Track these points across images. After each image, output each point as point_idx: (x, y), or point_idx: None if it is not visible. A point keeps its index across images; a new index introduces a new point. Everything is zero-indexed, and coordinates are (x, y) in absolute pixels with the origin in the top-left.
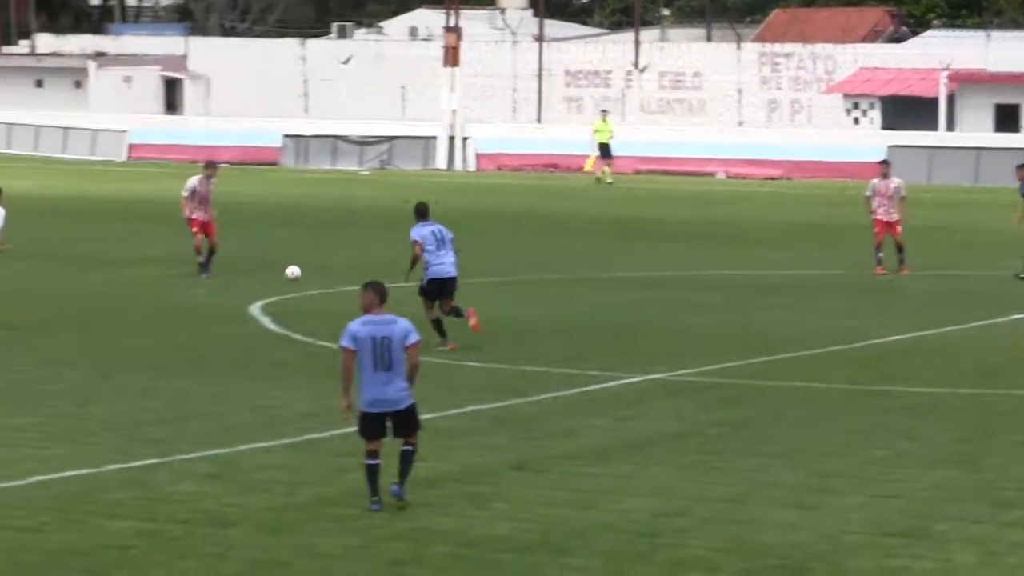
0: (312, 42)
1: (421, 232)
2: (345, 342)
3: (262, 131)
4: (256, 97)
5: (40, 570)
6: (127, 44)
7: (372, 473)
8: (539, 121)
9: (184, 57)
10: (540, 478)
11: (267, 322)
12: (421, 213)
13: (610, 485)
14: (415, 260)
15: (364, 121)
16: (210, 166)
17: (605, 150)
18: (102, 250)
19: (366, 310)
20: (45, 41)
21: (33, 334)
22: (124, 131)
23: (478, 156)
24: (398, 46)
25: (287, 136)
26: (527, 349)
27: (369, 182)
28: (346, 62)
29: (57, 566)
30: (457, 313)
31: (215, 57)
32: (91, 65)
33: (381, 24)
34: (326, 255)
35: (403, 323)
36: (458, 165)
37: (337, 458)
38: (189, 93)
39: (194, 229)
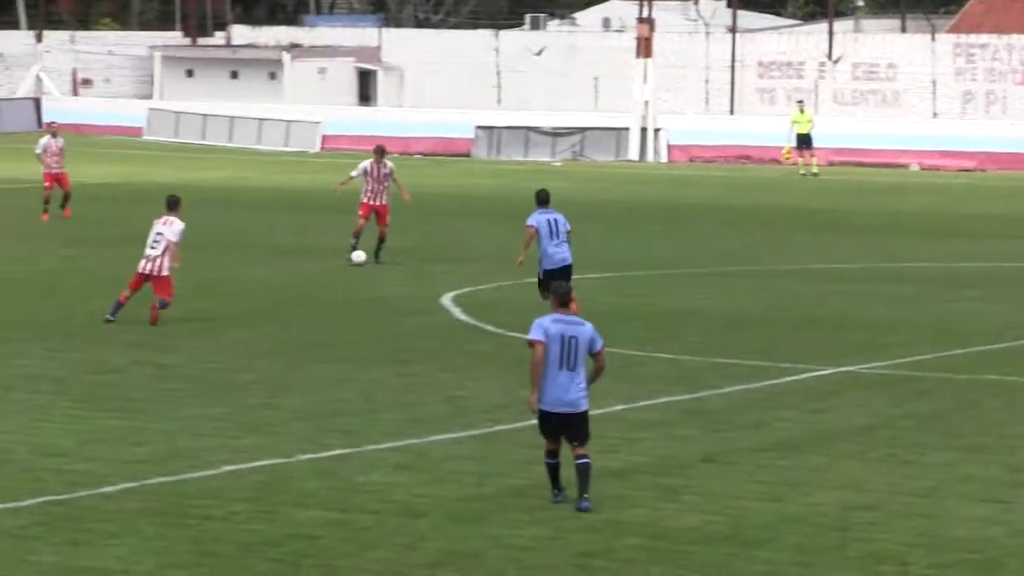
0: (505, 33)
1: (538, 219)
2: (537, 335)
3: (455, 122)
4: (449, 88)
5: (231, 560)
6: (321, 35)
7: (553, 471)
8: (731, 112)
9: (378, 48)
10: (730, 470)
11: (458, 313)
12: (542, 200)
13: (800, 478)
14: (527, 244)
15: (556, 112)
16: (380, 151)
17: (805, 140)
18: (296, 241)
19: (554, 309)
20: (241, 33)
21: (228, 325)
22: (318, 122)
23: (670, 147)
24: (591, 37)
25: (479, 127)
26: (718, 341)
27: (561, 173)
28: (539, 53)
29: (248, 556)
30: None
31: (409, 48)
32: (286, 57)
33: (574, 15)
34: (517, 246)
35: (589, 326)
36: (650, 156)
37: (526, 449)
38: (382, 84)
39: (361, 213)
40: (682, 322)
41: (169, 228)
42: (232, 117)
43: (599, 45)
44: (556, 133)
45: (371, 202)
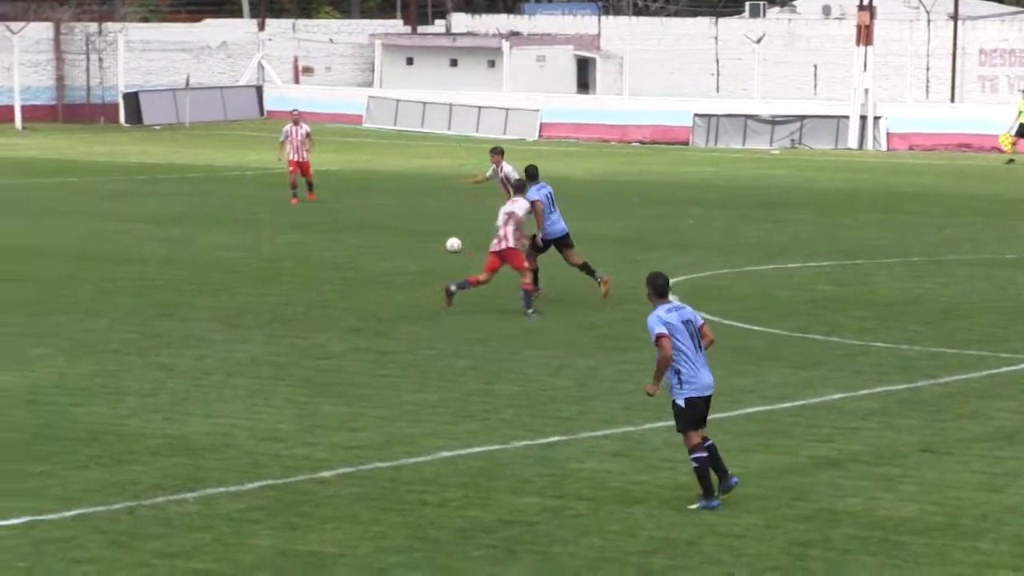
0: (724, 21)
1: (540, 193)
2: (661, 329)
3: (673, 110)
4: (667, 76)
5: (447, 545)
6: (540, 23)
7: (706, 469)
8: (952, 100)
9: (596, 36)
10: (947, 460)
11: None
12: (532, 176)
13: (1019, 468)
14: (542, 218)
15: (775, 100)
16: (497, 152)
17: None
18: None
19: (651, 301)
20: (460, 21)
21: (445, 312)
22: (536, 110)
23: (889, 135)
24: (811, 25)
25: (698, 115)
26: (937, 330)
27: (779, 161)
28: (758, 41)
29: (463, 541)
30: (590, 271)
31: (627, 36)
32: (505, 45)
33: (794, 3)
34: (733, 234)
35: (689, 307)
36: (869, 144)
37: (742, 437)
38: (601, 72)
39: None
40: (900, 311)
41: (515, 206)
42: (451, 105)
43: (819, 33)
44: (774, 121)
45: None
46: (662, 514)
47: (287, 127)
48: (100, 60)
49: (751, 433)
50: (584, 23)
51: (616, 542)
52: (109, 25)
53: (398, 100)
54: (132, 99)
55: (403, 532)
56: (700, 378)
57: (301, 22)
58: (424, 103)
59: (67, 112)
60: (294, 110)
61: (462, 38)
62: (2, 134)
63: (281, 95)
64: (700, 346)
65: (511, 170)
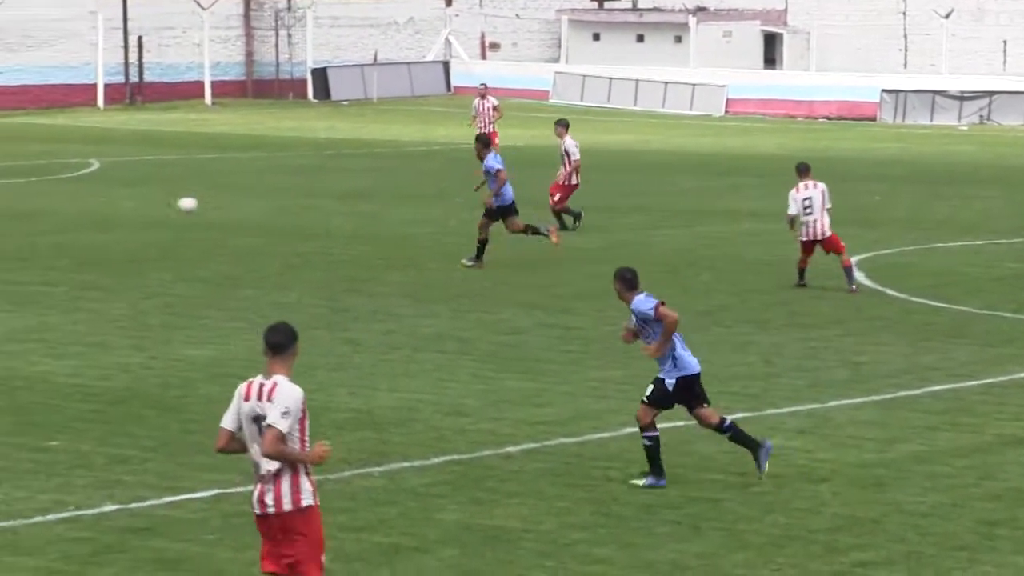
0: None
1: (501, 162)
2: (655, 301)
3: (860, 86)
4: (854, 52)
5: (631, 521)
6: None
7: (657, 449)
8: None
9: (783, 11)
10: None
11: (861, 277)
12: (487, 144)
13: None
14: (502, 183)
15: (963, 76)
16: (561, 124)
17: None
18: (696, 204)
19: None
20: None
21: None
22: (723, 86)
23: None
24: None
25: (885, 91)
26: None
27: (967, 137)
28: (947, 16)
29: (648, 517)
30: (535, 230)
31: (815, 11)
32: (691, 20)
33: None
34: (919, 211)
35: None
36: None
37: (929, 415)
38: (788, 47)
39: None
40: None
41: (816, 191)
42: (637, 80)
43: (1008, 8)
44: (963, 97)
45: None
46: (847, 492)
47: (475, 101)
48: (289, 36)
49: (937, 411)
50: None
51: (801, 520)
52: (298, 1)
53: (584, 76)
54: (320, 75)
55: (588, 508)
56: (690, 356)
57: None
58: (610, 79)
59: (256, 87)
60: (481, 84)
61: (648, 13)
62: (192, 109)
63: (467, 71)
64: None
65: (573, 144)
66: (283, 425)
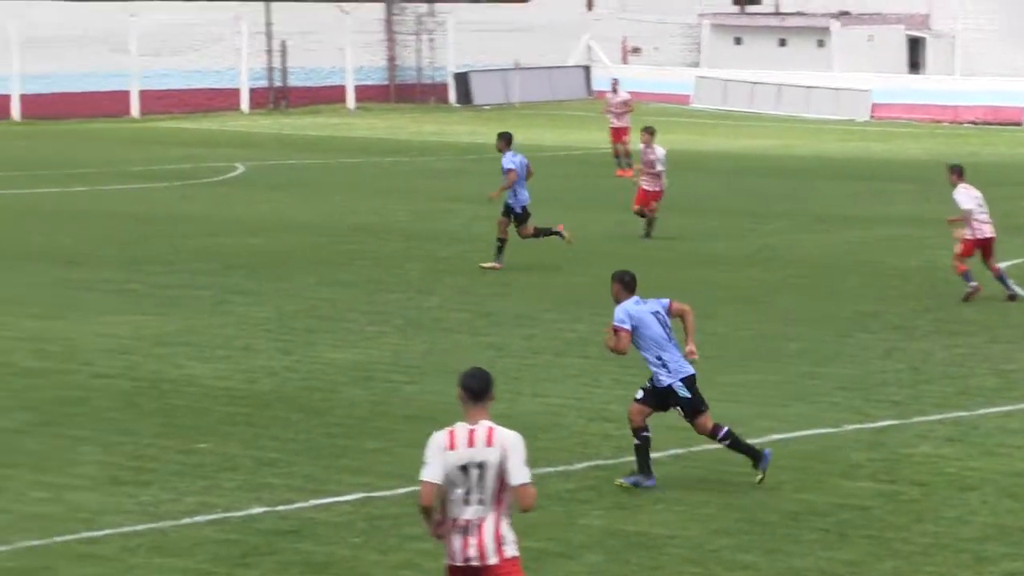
0: None
1: (514, 161)
2: (622, 323)
3: (1006, 90)
4: (1000, 56)
5: (777, 528)
6: (870, 2)
7: (647, 448)
8: None
9: (927, 16)
10: None
11: (1011, 284)
12: (509, 142)
13: None
14: (510, 185)
15: None
16: (648, 131)
17: None
18: (841, 209)
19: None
20: (789, 0)
21: (772, 292)
22: (867, 90)
23: None
24: None
25: None
26: None
27: None
28: None
29: (795, 525)
30: (547, 232)
31: (959, 14)
32: (834, 24)
33: None
34: None
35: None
36: None
37: None
38: (932, 51)
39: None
40: None
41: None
42: (780, 85)
43: None
44: None
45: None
46: (997, 501)
47: (607, 96)
48: (430, 40)
49: None
50: (915, 2)
51: (950, 528)
52: (439, 6)
53: (726, 80)
54: (462, 79)
55: (733, 515)
56: (683, 362)
57: (630, 1)
58: (753, 83)
59: (398, 92)
60: (613, 79)
61: (791, 17)
62: (335, 114)
63: (609, 75)
64: (672, 334)
65: (661, 152)
66: (529, 476)
